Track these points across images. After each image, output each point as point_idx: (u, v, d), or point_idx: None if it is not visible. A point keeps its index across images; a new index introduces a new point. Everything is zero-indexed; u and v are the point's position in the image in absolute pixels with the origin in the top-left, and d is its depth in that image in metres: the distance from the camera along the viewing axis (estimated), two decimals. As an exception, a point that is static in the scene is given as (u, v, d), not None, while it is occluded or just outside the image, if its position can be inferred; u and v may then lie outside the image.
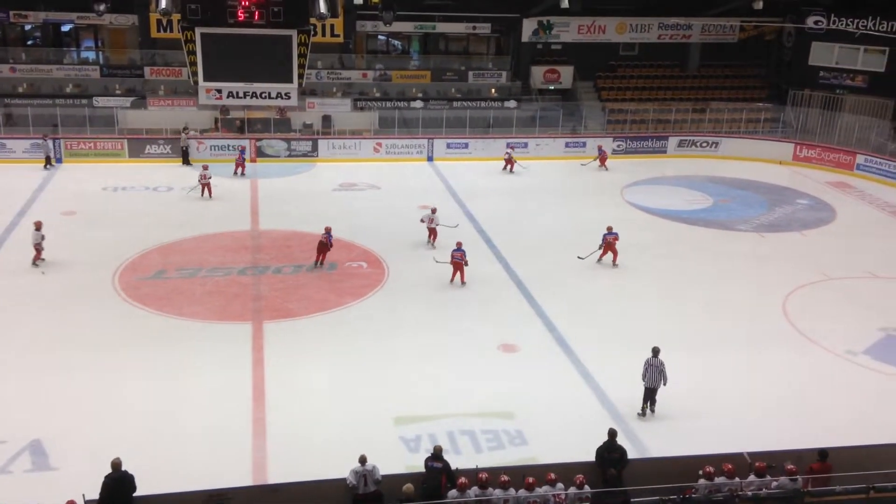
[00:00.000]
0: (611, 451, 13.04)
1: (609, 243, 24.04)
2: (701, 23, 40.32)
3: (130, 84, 37.31)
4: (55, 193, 30.00)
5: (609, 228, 24.26)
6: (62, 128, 34.33)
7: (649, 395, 16.25)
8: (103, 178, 31.77)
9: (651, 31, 40.44)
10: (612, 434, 13.29)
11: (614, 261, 24.19)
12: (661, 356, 16.17)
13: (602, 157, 35.81)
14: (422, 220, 25.81)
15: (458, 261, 22.43)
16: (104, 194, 30.29)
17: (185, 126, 35.29)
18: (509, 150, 35.44)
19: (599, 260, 24.28)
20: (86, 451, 14.28)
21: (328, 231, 23.65)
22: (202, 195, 29.94)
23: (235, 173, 32.78)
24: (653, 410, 16.26)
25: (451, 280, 22.56)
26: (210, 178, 30.11)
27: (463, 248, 22.60)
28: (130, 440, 14.56)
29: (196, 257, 24.08)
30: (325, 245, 23.47)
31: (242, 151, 33.61)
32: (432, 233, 25.57)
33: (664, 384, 16.09)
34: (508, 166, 34.89)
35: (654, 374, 16.09)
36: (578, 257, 24.25)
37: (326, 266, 23.59)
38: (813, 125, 38.47)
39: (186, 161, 34.20)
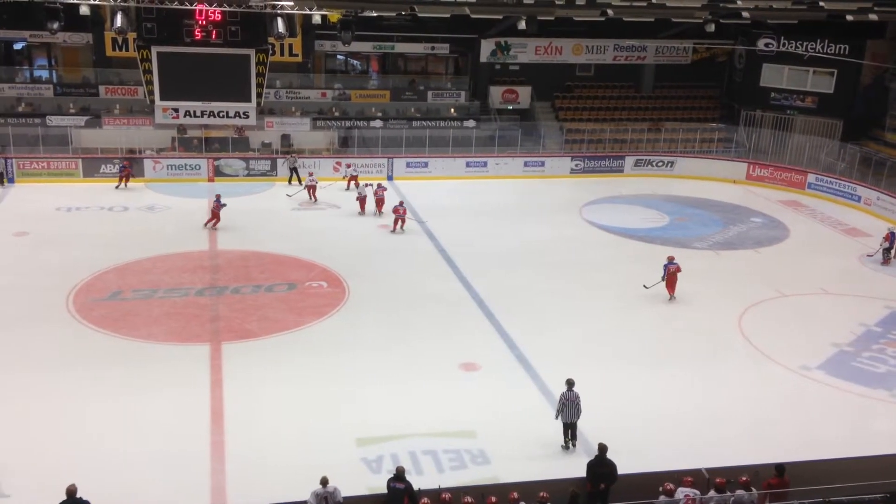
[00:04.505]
0: (602, 466, 13.11)
1: (672, 273, 23.26)
2: (655, 45, 41.02)
3: (84, 103, 36.76)
4: (7, 214, 29.40)
5: (671, 258, 23.76)
6: (14, 147, 33.67)
7: (568, 430, 15.58)
8: (57, 198, 31.22)
9: (606, 53, 41.01)
10: (603, 449, 13.32)
11: (673, 293, 23.37)
12: (575, 388, 15.50)
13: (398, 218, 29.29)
14: None
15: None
16: (58, 214, 29.74)
17: (292, 145, 36.10)
18: (350, 171, 34.87)
19: (671, 297, 23.31)
20: (39, 477, 13.94)
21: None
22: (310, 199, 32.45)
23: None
24: (574, 445, 15.58)
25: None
26: (315, 182, 32.70)
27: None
28: (85, 465, 14.27)
29: (153, 278, 23.73)
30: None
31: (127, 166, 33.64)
32: None
33: (578, 417, 15.54)
34: (352, 183, 34.01)
35: (570, 410, 15.41)
36: (644, 286, 23.46)
37: (285, 286, 23.45)
38: (765, 145, 39.30)
39: (291, 181, 34.55)
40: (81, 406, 16.62)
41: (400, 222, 28.84)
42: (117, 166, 33.70)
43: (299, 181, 34.15)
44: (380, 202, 31.07)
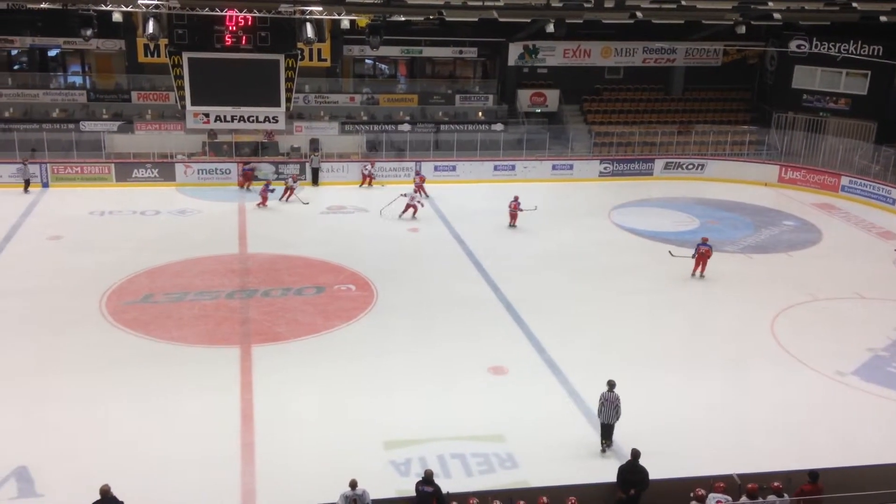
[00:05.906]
0: (633, 473, 13.01)
1: (702, 254, 24.79)
2: (685, 47, 40.72)
3: (117, 108, 37.25)
4: (41, 218, 29.83)
5: (704, 240, 25.25)
6: (49, 152, 34.19)
7: (606, 432, 15.54)
8: (90, 203, 31.64)
9: (636, 55, 40.82)
10: (636, 455, 13.21)
11: (702, 272, 25.01)
12: (616, 390, 15.45)
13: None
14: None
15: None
16: (91, 218, 30.14)
17: (317, 147, 36.30)
18: (369, 166, 35.82)
19: (693, 273, 25.06)
20: (72, 477, 14.12)
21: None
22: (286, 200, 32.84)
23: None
24: (609, 446, 15.51)
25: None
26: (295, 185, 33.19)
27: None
28: (118, 466, 14.41)
29: (184, 281, 23.95)
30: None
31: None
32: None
33: (617, 419, 15.47)
34: (367, 182, 35.71)
35: (609, 410, 15.35)
36: (670, 253, 25.61)
37: (314, 289, 23.55)
38: (797, 147, 38.84)
39: (316, 181, 35.28)
40: (112, 407, 16.80)
41: (514, 218, 30.04)
42: (240, 169, 34.72)
43: (317, 181, 35.27)
44: (421, 188, 33.39)
